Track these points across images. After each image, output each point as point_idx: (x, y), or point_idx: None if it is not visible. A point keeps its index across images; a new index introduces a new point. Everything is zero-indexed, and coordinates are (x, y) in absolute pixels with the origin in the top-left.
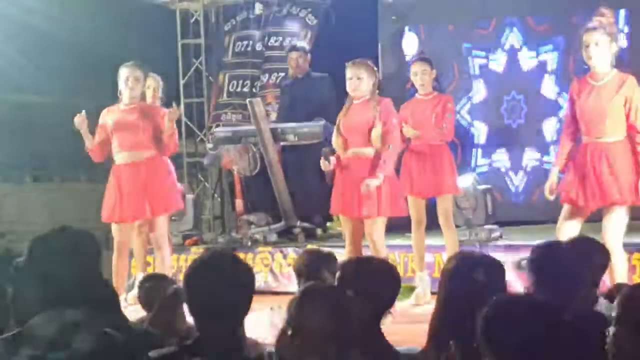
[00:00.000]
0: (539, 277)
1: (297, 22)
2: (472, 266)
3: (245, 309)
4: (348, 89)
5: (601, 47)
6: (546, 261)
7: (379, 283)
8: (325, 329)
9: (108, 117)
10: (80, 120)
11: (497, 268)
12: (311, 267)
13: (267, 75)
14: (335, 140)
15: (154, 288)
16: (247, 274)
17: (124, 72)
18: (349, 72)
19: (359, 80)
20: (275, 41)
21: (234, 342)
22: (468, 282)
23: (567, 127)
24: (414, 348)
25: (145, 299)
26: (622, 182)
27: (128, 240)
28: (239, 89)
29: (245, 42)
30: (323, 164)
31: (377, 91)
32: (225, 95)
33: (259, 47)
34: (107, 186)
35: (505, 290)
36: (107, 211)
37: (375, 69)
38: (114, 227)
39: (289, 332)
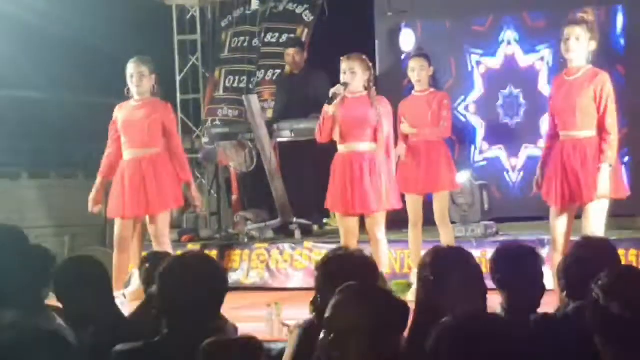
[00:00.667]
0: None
1: (293, 19)
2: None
3: (215, 307)
4: (341, 81)
5: (581, 42)
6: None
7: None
8: (364, 327)
9: (119, 113)
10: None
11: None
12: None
13: (263, 71)
14: (324, 129)
15: (154, 266)
16: (218, 273)
17: (129, 69)
18: (343, 66)
19: (352, 74)
20: (272, 37)
21: (203, 339)
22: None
23: (550, 124)
24: None
25: (146, 278)
26: (593, 179)
27: (129, 236)
28: (235, 85)
29: (242, 38)
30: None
31: (375, 87)
32: (221, 90)
33: (255, 43)
34: (113, 182)
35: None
36: (112, 207)
37: (370, 64)
38: (117, 223)
39: (327, 332)
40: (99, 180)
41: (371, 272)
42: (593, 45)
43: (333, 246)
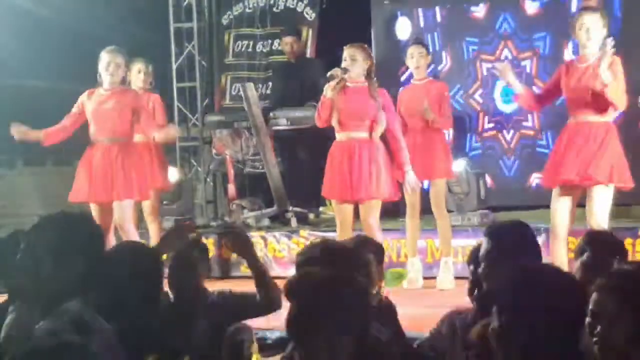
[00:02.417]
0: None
1: (295, 19)
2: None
3: (153, 299)
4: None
5: (598, 29)
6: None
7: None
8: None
9: (88, 102)
10: (18, 132)
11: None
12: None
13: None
14: (323, 113)
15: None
16: (152, 264)
17: (105, 57)
18: (345, 53)
19: (353, 61)
20: (279, 44)
21: (148, 332)
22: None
23: (540, 93)
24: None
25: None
26: (605, 163)
27: (108, 223)
28: (241, 93)
29: (245, 42)
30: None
31: (375, 78)
32: (227, 98)
33: (259, 48)
34: (79, 166)
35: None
36: (76, 191)
37: (372, 54)
38: (92, 208)
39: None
40: (40, 133)
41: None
42: (605, 32)
43: (330, 234)
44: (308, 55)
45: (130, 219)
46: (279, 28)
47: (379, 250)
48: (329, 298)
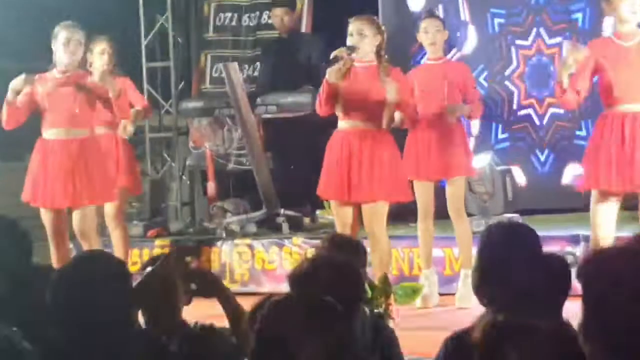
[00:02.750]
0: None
1: None
2: None
3: (121, 324)
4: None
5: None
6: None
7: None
8: None
9: (40, 86)
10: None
11: None
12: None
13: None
14: (324, 100)
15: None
16: (122, 280)
17: (62, 34)
18: (351, 27)
19: (360, 37)
20: (269, 16)
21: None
22: None
23: (575, 82)
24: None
25: None
26: None
27: (62, 228)
28: (223, 75)
29: (228, 15)
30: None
31: (385, 55)
32: (207, 81)
33: (245, 20)
34: (31, 162)
35: None
36: (30, 191)
37: (382, 27)
38: (42, 212)
39: None
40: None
41: (352, 283)
42: None
43: None
44: (303, 29)
45: (94, 226)
46: None
47: (357, 250)
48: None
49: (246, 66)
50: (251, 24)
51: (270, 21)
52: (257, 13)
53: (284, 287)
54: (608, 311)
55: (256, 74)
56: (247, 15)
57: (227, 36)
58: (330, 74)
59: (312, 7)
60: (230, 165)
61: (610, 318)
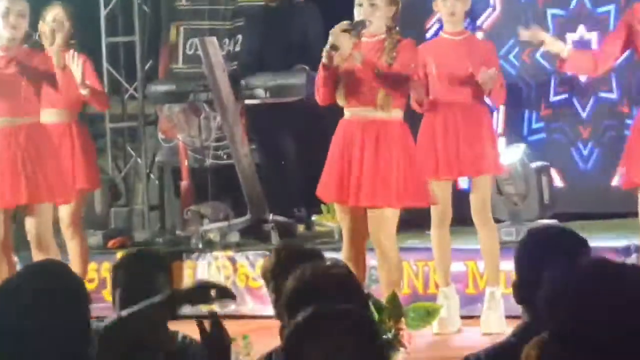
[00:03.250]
0: None
1: None
2: None
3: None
4: (356, 18)
5: None
6: None
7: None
8: None
9: None
10: None
11: None
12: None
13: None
14: (324, 87)
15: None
16: (78, 297)
17: (1, 4)
18: None
19: (372, 8)
20: None
21: None
22: None
23: (599, 51)
24: None
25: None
26: None
27: (7, 236)
28: (199, 51)
29: None
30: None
31: (397, 28)
32: (180, 60)
33: None
34: None
35: None
36: None
37: None
38: None
39: None
40: None
41: (352, 291)
42: None
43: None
44: None
45: (50, 230)
46: None
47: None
48: None
49: (226, 40)
50: None
51: None
52: None
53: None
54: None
55: (238, 49)
56: None
57: (203, 4)
58: (334, 58)
59: None
60: (208, 161)
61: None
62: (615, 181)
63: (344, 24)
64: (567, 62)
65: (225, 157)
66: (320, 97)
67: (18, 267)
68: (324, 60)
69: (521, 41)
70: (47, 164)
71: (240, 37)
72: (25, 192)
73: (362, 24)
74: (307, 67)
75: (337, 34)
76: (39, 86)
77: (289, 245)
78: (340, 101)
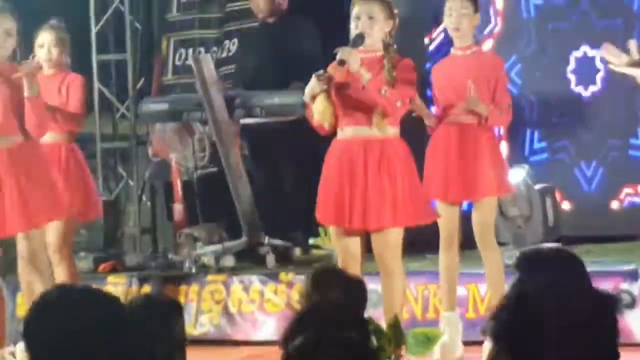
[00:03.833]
0: None
1: None
2: None
3: None
4: (353, 32)
5: None
6: None
7: None
8: None
9: None
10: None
11: None
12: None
13: (235, 40)
14: (321, 110)
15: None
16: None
17: None
18: (357, 9)
19: (370, 21)
20: None
21: None
22: None
23: None
24: None
25: None
26: None
27: None
28: (188, 61)
29: None
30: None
31: (394, 45)
32: (170, 72)
33: None
34: None
35: None
36: None
37: (395, 10)
38: None
39: None
40: None
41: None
42: None
43: None
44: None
45: (43, 251)
46: None
47: (351, 285)
48: None
49: (215, 48)
50: None
51: None
52: None
53: (263, 334)
54: None
55: (224, 55)
56: None
57: (193, 14)
58: (316, 83)
59: None
60: (197, 172)
61: None
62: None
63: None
64: None
65: (212, 167)
66: (313, 120)
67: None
68: (311, 82)
69: (521, 57)
70: (31, 188)
71: (227, 42)
72: (8, 217)
73: (361, 37)
74: (303, 85)
75: (345, 49)
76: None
77: (325, 269)
78: (322, 118)
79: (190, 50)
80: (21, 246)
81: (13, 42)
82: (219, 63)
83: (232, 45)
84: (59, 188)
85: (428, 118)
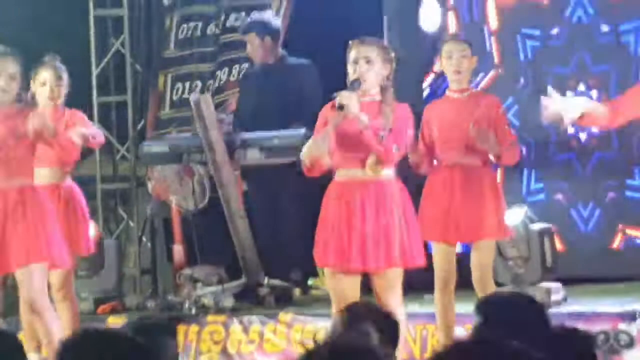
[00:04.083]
0: None
1: None
2: None
3: None
4: (351, 76)
5: None
6: None
7: None
8: None
9: None
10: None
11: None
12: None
13: (226, 69)
14: (313, 152)
15: None
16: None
17: None
18: (354, 53)
19: (368, 65)
20: (237, 19)
21: None
22: None
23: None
24: None
25: None
26: None
27: None
28: (185, 95)
29: (191, 25)
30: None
31: (392, 89)
32: (167, 106)
33: (210, 30)
34: None
35: None
36: None
37: (393, 54)
38: None
39: None
40: None
41: None
42: None
43: (322, 322)
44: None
45: (45, 292)
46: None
47: (387, 324)
48: None
49: (211, 82)
50: (217, 32)
51: (236, 24)
52: (223, 17)
53: None
54: None
55: (217, 84)
56: (214, 23)
57: (190, 49)
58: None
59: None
60: (202, 224)
61: None
62: (615, 242)
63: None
64: (598, 116)
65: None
66: (305, 167)
67: None
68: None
69: (518, 99)
70: (39, 226)
71: (219, 73)
72: (11, 257)
73: (358, 82)
74: (303, 127)
75: (345, 94)
76: (31, 145)
77: (361, 302)
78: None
79: (188, 84)
80: (22, 289)
81: (17, 85)
82: (213, 93)
83: (223, 75)
84: (64, 233)
85: (422, 161)
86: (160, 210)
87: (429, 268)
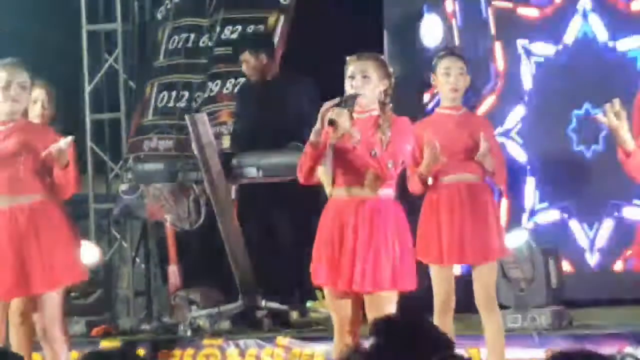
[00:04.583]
0: None
1: (262, 2)
2: None
3: None
4: (347, 91)
5: None
6: None
7: None
8: None
9: None
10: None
11: None
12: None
13: (218, 82)
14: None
15: None
16: None
17: (1, 76)
18: (352, 68)
19: (365, 80)
20: (231, 32)
21: None
22: None
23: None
24: None
25: None
26: None
27: (2, 332)
28: (170, 104)
29: (183, 36)
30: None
31: (391, 104)
32: (150, 113)
33: (203, 42)
34: None
35: None
36: None
37: (391, 69)
38: None
39: None
40: None
41: None
42: None
43: (321, 345)
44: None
45: (58, 321)
46: (235, 13)
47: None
48: None
49: (200, 93)
50: (210, 44)
51: (231, 37)
52: (218, 29)
53: None
54: None
55: (206, 95)
56: (207, 35)
57: (178, 59)
58: (318, 133)
59: (287, 29)
60: (197, 245)
61: None
62: (620, 264)
63: (334, 100)
64: (632, 158)
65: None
66: (303, 175)
67: None
68: (313, 138)
69: (526, 117)
70: (52, 247)
71: (210, 84)
72: (23, 284)
73: (353, 98)
74: (301, 145)
75: (335, 110)
76: (41, 162)
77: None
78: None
79: (174, 93)
80: (35, 317)
81: (27, 96)
82: (202, 103)
83: (215, 87)
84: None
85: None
86: (130, 212)
87: (427, 291)
